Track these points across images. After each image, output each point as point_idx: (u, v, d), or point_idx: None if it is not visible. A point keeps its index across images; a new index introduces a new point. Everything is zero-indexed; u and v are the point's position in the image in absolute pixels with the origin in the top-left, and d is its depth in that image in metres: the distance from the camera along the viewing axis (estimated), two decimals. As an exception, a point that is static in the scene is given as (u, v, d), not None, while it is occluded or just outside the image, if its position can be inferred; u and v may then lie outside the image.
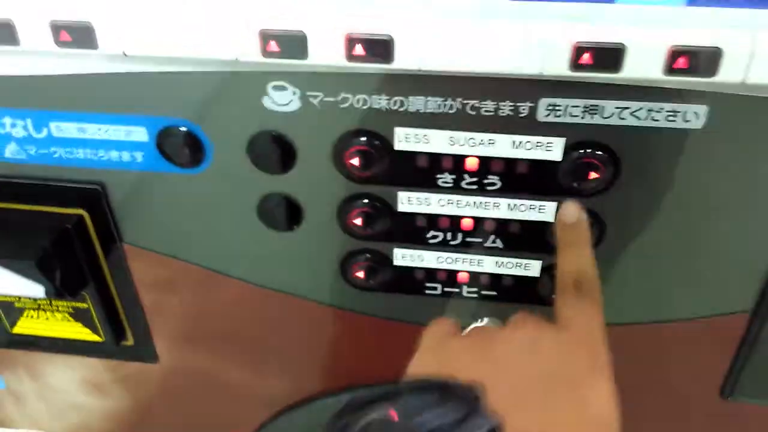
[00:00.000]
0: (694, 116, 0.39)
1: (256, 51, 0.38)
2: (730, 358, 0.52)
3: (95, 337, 0.58)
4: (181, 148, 0.44)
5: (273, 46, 0.37)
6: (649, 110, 0.39)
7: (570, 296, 0.37)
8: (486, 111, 0.41)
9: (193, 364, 0.61)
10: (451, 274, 0.50)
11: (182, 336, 0.59)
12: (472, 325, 0.43)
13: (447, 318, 0.42)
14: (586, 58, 0.36)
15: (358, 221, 0.46)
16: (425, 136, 0.42)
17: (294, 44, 0.37)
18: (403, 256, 0.49)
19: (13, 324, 0.58)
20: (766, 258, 0.46)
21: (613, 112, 0.40)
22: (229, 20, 0.37)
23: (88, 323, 0.57)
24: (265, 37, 0.37)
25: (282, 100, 0.41)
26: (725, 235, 0.45)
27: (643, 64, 0.36)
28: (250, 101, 0.42)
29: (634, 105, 0.39)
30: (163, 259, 0.52)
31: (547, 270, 0.48)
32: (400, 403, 0.29)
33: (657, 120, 0.40)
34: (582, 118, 0.40)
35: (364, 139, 0.43)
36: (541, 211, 0.45)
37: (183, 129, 0.44)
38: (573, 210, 0.42)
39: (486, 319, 0.46)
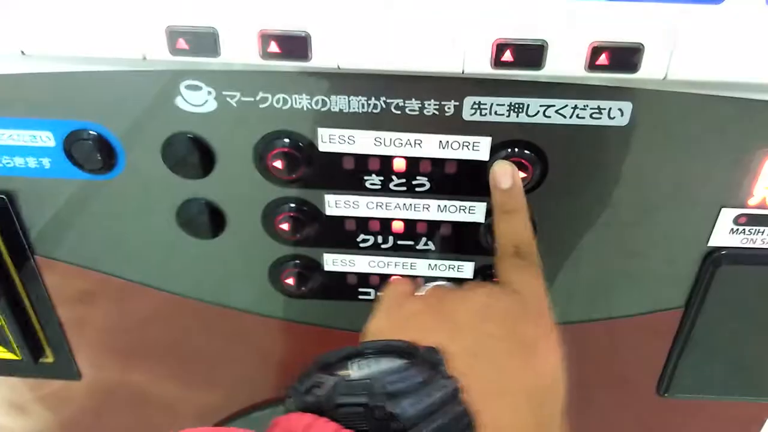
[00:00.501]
0: (619, 113, 0.39)
1: (164, 49, 0.35)
2: (665, 354, 0.53)
3: (11, 356, 0.55)
4: (91, 153, 0.42)
5: (182, 43, 0.35)
6: (574, 108, 0.39)
7: (511, 261, 0.38)
8: (411, 110, 0.40)
9: (120, 380, 0.58)
10: (384, 279, 0.49)
11: (106, 351, 0.56)
12: (428, 285, 0.41)
13: (403, 278, 0.42)
14: (507, 55, 0.35)
15: (285, 226, 0.45)
16: (350, 136, 0.41)
17: (204, 41, 0.35)
18: (334, 262, 0.48)
19: None
20: (697, 252, 0.46)
21: (538, 110, 0.39)
22: (134, 16, 0.35)
23: (2, 341, 0.54)
24: (173, 34, 0.35)
25: (196, 100, 0.39)
26: (656, 230, 0.44)
27: (565, 61, 0.35)
28: (162, 102, 0.39)
29: (558, 103, 0.39)
30: (80, 271, 0.49)
31: (480, 272, 0.47)
32: (369, 365, 0.30)
33: (582, 117, 0.39)
34: (507, 116, 0.39)
35: (286, 140, 0.41)
36: (471, 212, 0.44)
37: (92, 133, 0.41)
38: (507, 173, 0.40)
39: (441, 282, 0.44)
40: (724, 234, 0.44)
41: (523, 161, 0.41)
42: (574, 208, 0.43)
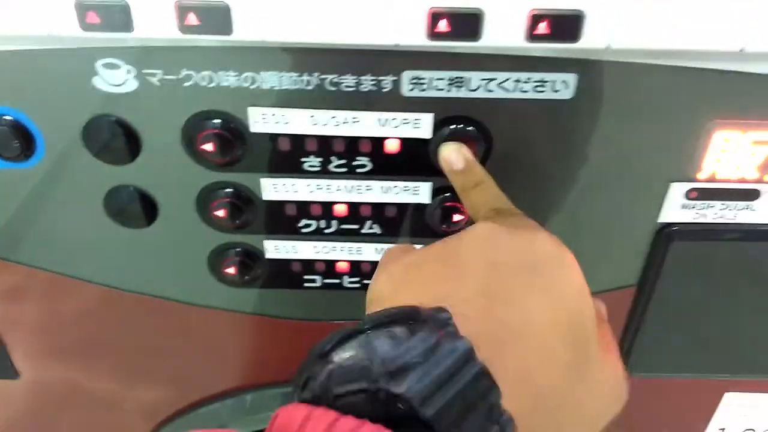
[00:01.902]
0: (563, 85, 0.37)
1: (74, 24, 0.33)
2: (620, 333, 0.52)
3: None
4: (7, 139, 0.39)
5: (92, 17, 0.32)
6: (517, 81, 0.37)
7: (494, 218, 0.33)
8: (347, 87, 0.37)
9: (61, 378, 0.56)
10: (330, 265, 0.47)
11: (43, 348, 0.54)
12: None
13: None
14: (443, 25, 0.33)
15: (221, 213, 0.42)
16: (283, 116, 0.38)
17: (116, 15, 0.32)
18: (276, 249, 0.46)
19: None
20: (649, 229, 0.45)
21: (479, 84, 0.37)
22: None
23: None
24: (82, 7, 0.32)
25: (115, 79, 0.37)
26: (606, 207, 0.43)
27: (504, 31, 0.33)
28: (79, 83, 0.37)
29: (500, 76, 0.37)
30: (6, 265, 0.46)
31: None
32: (364, 344, 0.25)
33: (526, 91, 0.37)
34: (449, 91, 0.38)
35: (215, 121, 0.38)
36: (416, 192, 0.42)
37: (7, 118, 0.39)
38: (456, 153, 0.38)
39: None
40: (676, 209, 0.43)
41: (466, 138, 0.39)
42: (521, 186, 0.42)
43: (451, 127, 0.39)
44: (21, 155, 0.40)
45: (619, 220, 0.44)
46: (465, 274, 0.28)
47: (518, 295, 0.27)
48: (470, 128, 0.39)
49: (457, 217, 0.42)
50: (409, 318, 0.25)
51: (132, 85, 0.37)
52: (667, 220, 0.44)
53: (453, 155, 0.38)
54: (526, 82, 0.37)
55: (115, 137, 0.39)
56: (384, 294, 0.30)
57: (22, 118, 0.39)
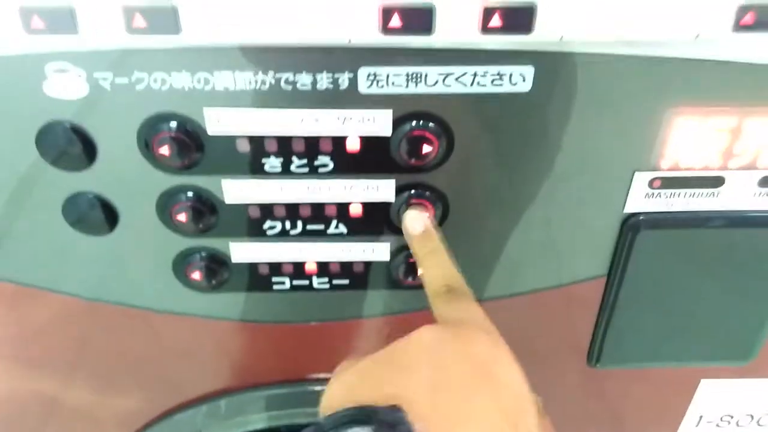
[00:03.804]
0: (521, 78, 0.37)
1: (19, 28, 0.32)
2: (591, 326, 0.52)
3: None
4: (-42, 148, 0.38)
5: (37, 21, 0.32)
6: (474, 75, 0.37)
7: (444, 298, 0.37)
8: (303, 85, 0.37)
9: (31, 389, 0.55)
10: (298, 266, 0.47)
11: (10, 360, 0.53)
12: None
13: None
14: (395, 20, 0.33)
15: (182, 217, 0.42)
16: (240, 116, 0.38)
17: (61, 18, 0.32)
18: (242, 252, 0.45)
19: None
20: (615, 219, 0.45)
21: (437, 79, 0.37)
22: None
23: None
24: (27, 11, 0.32)
25: (66, 84, 0.36)
26: (571, 198, 0.43)
27: (457, 25, 0.33)
28: (29, 89, 0.36)
29: (457, 70, 0.37)
30: (-32, 277, 0.45)
31: (397, 253, 0.45)
32: None
33: (484, 85, 0.37)
34: (406, 87, 0.37)
35: (171, 124, 0.38)
36: (380, 190, 0.42)
37: (-44, 126, 0.38)
38: (417, 219, 0.41)
39: None
40: (640, 199, 0.43)
41: (426, 134, 0.39)
42: (484, 181, 0.42)
43: (412, 123, 0.39)
44: (-26, 165, 0.39)
45: (585, 211, 0.44)
46: (414, 376, 0.30)
47: (465, 394, 0.30)
48: (430, 124, 0.39)
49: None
50: (366, 417, 0.28)
51: (83, 89, 0.36)
52: (633, 209, 0.44)
53: (413, 220, 0.41)
54: (483, 76, 0.37)
55: (70, 143, 0.38)
56: (338, 400, 0.31)
57: (-28, 126, 0.38)
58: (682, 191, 0.43)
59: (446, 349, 0.32)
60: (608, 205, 0.44)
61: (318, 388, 0.54)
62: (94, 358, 0.53)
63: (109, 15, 0.32)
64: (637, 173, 0.42)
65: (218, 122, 0.38)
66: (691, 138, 0.40)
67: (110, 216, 0.42)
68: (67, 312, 0.48)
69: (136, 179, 0.40)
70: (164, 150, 0.38)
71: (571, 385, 0.57)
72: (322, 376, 0.54)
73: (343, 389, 0.33)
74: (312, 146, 0.40)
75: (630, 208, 0.44)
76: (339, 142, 0.40)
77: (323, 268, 0.47)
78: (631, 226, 0.44)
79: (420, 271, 0.39)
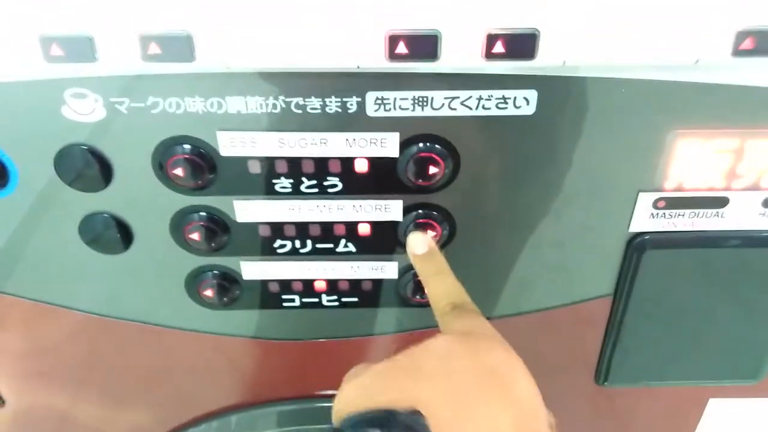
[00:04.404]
0: (524, 102, 0.38)
1: (39, 56, 0.33)
2: (599, 344, 0.52)
3: None
4: (-21, 170, 0.39)
5: (56, 49, 0.33)
6: (479, 98, 0.38)
7: (450, 315, 0.37)
8: (312, 109, 0.38)
9: (45, 404, 0.56)
10: (308, 284, 0.47)
11: (27, 376, 0.54)
12: None
13: None
14: (401, 47, 0.34)
15: (195, 236, 0.43)
16: (252, 139, 0.39)
17: (80, 47, 0.33)
18: (253, 270, 0.46)
19: None
20: (620, 239, 0.45)
21: (443, 103, 0.38)
22: (7, 23, 0.33)
23: None
24: (47, 40, 0.33)
25: (84, 109, 0.37)
26: (576, 219, 0.44)
27: (462, 51, 0.34)
28: (48, 113, 0.37)
29: (462, 94, 0.38)
30: (-13, 294, 0.47)
31: (405, 271, 0.46)
32: None
33: (488, 108, 0.38)
34: (413, 110, 0.38)
35: (185, 146, 0.39)
36: (387, 210, 0.43)
37: (-21, 149, 0.39)
38: (420, 241, 0.41)
39: None
40: (645, 219, 0.44)
41: (433, 155, 0.40)
42: (491, 201, 0.43)
43: (418, 145, 0.40)
44: (-5, 185, 0.40)
45: (590, 232, 0.45)
46: (432, 382, 0.31)
47: (481, 403, 0.30)
48: (437, 146, 0.40)
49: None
50: (385, 420, 0.28)
51: (100, 113, 0.37)
52: (638, 229, 0.44)
53: (416, 241, 0.41)
54: (488, 99, 0.38)
55: (87, 165, 0.39)
56: (355, 400, 0.32)
57: (-6, 149, 0.39)
58: (687, 211, 0.44)
59: (464, 357, 0.32)
60: (613, 225, 0.44)
61: (327, 404, 0.54)
62: (107, 374, 0.54)
63: (125, 43, 0.33)
64: (641, 194, 0.42)
65: (230, 145, 0.39)
66: (694, 159, 0.41)
67: (125, 235, 0.43)
68: (81, 328, 0.49)
69: (150, 200, 0.41)
70: (178, 171, 0.39)
71: (578, 404, 0.57)
72: (330, 392, 0.54)
73: (359, 392, 0.33)
74: (321, 167, 0.41)
75: (635, 227, 0.44)
76: (348, 163, 0.41)
77: (333, 286, 0.48)
78: (637, 245, 0.45)
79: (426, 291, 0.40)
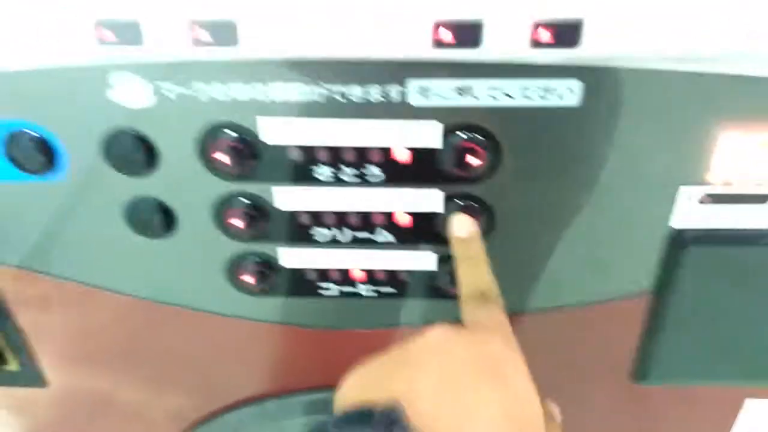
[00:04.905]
0: (568, 92, 0.37)
1: (92, 41, 0.34)
2: (637, 341, 0.51)
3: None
4: (32, 154, 0.41)
5: (108, 35, 0.34)
6: (522, 88, 0.37)
7: (475, 303, 0.38)
8: (355, 97, 0.38)
9: (86, 385, 0.57)
10: (345, 273, 0.48)
11: (70, 357, 0.55)
12: None
13: None
14: (446, 36, 0.34)
15: (236, 222, 0.43)
16: (294, 126, 0.39)
17: (130, 32, 0.34)
18: (291, 257, 0.46)
19: None
20: (662, 234, 0.44)
21: (485, 93, 0.38)
22: (59, 9, 0.34)
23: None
24: (98, 24, 0.34)
25: (131, 94, 0.38)
26: (618, 213, 0.43)
27: (507, 40, 0.34)
28: (96, 98, 0.38)
29: (505, 84, 0.37)
30: (34, 276, 0.48)
31: (444, 261, 0.46)
32: None
33: (531, 99, 0.38)
34: (456, 100, 0.38)
35: (229, 133, 0.40)
36: (427, 200, 0.43)
37: (31, 133, 0.40)
38: (464, 223, 0.42)
39: None
40: (688, 214, 0.43)
41: (474, 146, 0.40)
42: (531, 193, 0.42)
43: (460, 135, 0.40)
44: (45, 169, 0.41)
45: (631, 226, 0.44)
46: (420, 373, 0.31)
47: (470, 392, 0.30)
48: (479, 136, 0.40)
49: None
50: (364, 418, 0.29)
51: (147, 99, 0.38)
52: (680, 225, 0.44)
53: (458, 223, 0.42)
54: (531, 90, 0.37)
55: (133, 150, 0.40)
56: (350, 394, 0.33)
57: (45, 133, 0.40)
58: (731, 207, 0.43)
59: (457, 347, 0.33)
60: (654, 220, 0.44)
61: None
62: (148, 356, 0.55)
63: (172, 28, 0.34)
64: (684, 188, 0.42)
65: (273, 132, 0.40)
66: (740, 154, 0.40)
67: (168, 219, 0.44)
68: (123, 312, 0.50)
69: (193, 185, 0.42)
70: (222, 157, 0.40)
71: (610, 401, 0.56)
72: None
73: (354, 387, 0.34)
74: (362, 156, 0.41)
75: (678, 223, 0.44)
76: (389, 152, 0.41)
77: (370, 276, 0.48)
78: (679, 242, 0.44)
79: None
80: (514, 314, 0.48)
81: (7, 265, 0.48)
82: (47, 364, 0.56)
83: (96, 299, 0.49)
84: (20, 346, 0.54)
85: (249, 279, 0.47)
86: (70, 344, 0.54)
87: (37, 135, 0.40)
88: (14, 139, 0.40)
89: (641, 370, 0.52)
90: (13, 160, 0.41)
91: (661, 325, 0.49)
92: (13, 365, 0.55)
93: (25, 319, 0.52)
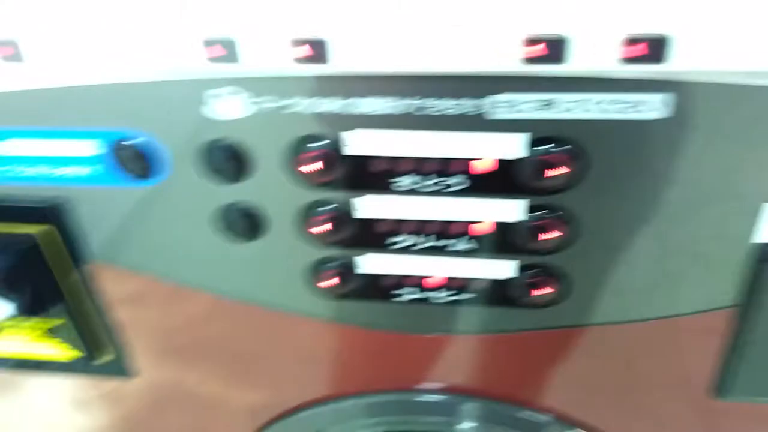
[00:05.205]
0: (657, 106, 0.38)
1: (201, 57, 0.37)
2: (716, 357, 0.50)
3: (70, 355, 0.58)
4: (136, 160, 0.44)
5: (217, 51, 0.36)
6: (611, 102, 0.38)
7: None
8: (439, 110, 0.39)
9: (173, 378, 0.61)
10: (421, 280, 0.49)
11: (160, 350, 0.58)
12: None
13: None
14: (536, 51, 0.35)
15: (318, 229, 0.45)
16: (379, 138, 0.41)
17: (235, 49, 0.36)
18: (369, 263, 0.48)
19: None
20: (749, 249, 0.44)
21: (570, 106, 0.38)
22: (171, 27, 0.36)
23: (61, 340, 0.57)
24: (209, 43, 0.36)
25: (232, 106, 0.40)
26: (703, 226, 0.43)
27: (596, 55, 0.34)
28: (200, 109, 0.41)
29: (594, 97, 0.38)
30: (130, 273, 0.51)
31: (520, 271, 0.47)
32: None
33: (617, 112, 0.38)
34: (540, 113, 0.39)
35: (316, 143, 0.41)
36: (508, 211, 0.43)
37: (137, 141, 0.43)
38: None
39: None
40: (774, 230, 0.42)
41: (558, 158, 0.40)
42: (614, 205, 0.42)
43: (544, 147, 0.40)
44: (147, 174, 0.44)
45: (713, 241, 0.44)
46: None
47: None
48: (563, 148, 0.40)
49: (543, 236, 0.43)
50: None
51: (246, 111, 0.40)
52: (765, 240, 0.43)
53: None
54: (619, 103, 0.38)
55: (228, 159, 0.42)
56: None
57: (150, 141, 0.43)
58: (820, 223, 0.42)
59: None
60: (738, 235, 0.43)
61: (432, 398, 0.56)
62: (230, 352, 0.57)
63: (271, 46, 0.36)
64: (766, 205, 0.41)
65: (359, 143, 0.41)
66: (833, 170, 0.39)
67: (255, 225, 0.46)
68: (211, 310, 0.53)
69: (281, 193, 0.44)
70: (308, 167, 0.42)
71: (685, 418, 0.55)
72: (437, 386, 0.56)
73: None
74: (446, 167, 0.42)
75: (762, 238, 0.43)
76: (469, 163, 0.42)
77: (445, 283, 0.49)
78: (763, 257, 0.43)
79: None
80: (595, 326, 0.48)
81: (108, 263, 0.51)
82: (139, 356, 0.59)
83: (186, 297, 0.52)
84: (113, 339, 0.57)
85: (328, 283, 0.49)
86: (161, 338, 0.57)
87: (144, 143, 0.43)
88: (122, 147, 0.43)
89: (723, 385, 0.52)
90: (120, 166, 0.44)
91: (746, 340, 0.48)
92: (104, 356, 0.59)
93: (120, 313, 0.55)
